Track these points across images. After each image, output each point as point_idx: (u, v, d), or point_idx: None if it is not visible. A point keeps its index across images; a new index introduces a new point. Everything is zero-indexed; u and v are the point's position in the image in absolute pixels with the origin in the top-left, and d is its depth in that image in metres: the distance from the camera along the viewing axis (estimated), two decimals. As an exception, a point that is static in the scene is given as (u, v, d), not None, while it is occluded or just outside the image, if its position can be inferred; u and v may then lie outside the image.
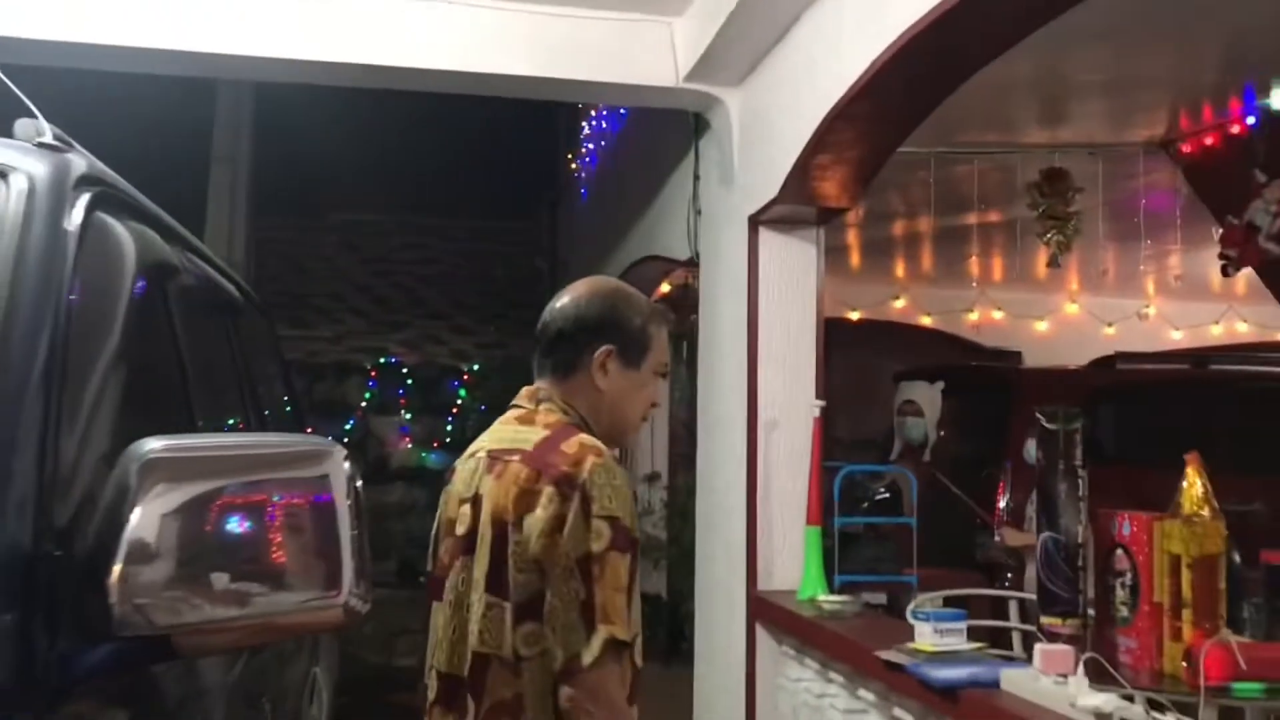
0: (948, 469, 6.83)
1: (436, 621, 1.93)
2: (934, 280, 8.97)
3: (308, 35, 4.22)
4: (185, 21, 4.08)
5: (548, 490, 1.77)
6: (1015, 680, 2.49)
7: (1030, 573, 5.28)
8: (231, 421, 2.54)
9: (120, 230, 1.74)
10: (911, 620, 3.07)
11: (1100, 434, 6.36)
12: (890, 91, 3.30)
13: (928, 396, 5.93)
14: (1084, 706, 2.22)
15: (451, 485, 2.00)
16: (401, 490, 9.83)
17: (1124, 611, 2.83)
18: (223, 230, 9.95)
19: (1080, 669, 2.35)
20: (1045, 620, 2.84)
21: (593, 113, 8.06)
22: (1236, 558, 3.02)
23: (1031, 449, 5.83)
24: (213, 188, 10.02)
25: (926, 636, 2.90)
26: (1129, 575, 2.82)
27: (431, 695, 1.90)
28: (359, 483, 1.26)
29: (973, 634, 2.94)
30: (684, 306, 7.66)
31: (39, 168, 1.61)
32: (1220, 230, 5.22)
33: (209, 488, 1.23)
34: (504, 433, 1.97)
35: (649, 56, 4.41)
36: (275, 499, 1.21)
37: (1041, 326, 9.63)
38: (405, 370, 10.42)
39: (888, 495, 4.46)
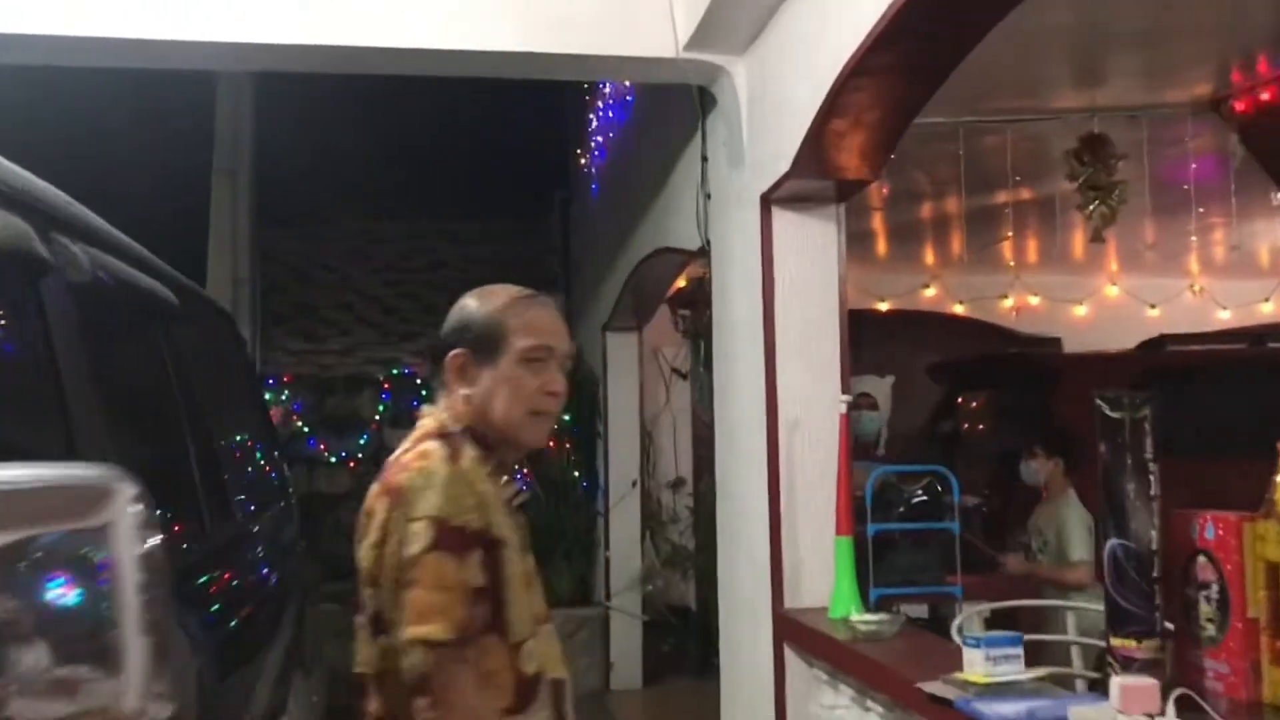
0: (987, 466, 6.44)
1: None
2: (966, 266, 8.50)
3: (290, 18, 3.94)
4: (174, 9, 3.82)
5: (381, 503, 1.81)
6: (1089, 720, 2.08)
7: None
8: (149, 445, 2.17)
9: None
10: (959, 642, 2.67)
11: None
12: (911, 38, 2.89)
13: (881, 390, 5.56)
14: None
15: None
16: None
17: (1210, 630, 2.40)
18: (226, 243, 9.70)
19: (1170, 708, 1.93)
20: (1117, 643, 2.41)
21: (599, 104, 7.69)
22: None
23: (1032, 469, 5.49)
24: (214, 200, 9.78)
25: (977, 665, 2.49)
26: (1215, 587, 2.39)
27: None
28: (156, 537, 0.87)
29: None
30: (701, 301, 7.28)
31: None
32: (1281, 196, 4.77)
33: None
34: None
35: (646, 26, 4.03)
36: (28, 562, 0.82)
37: (1080, 311, 9.17)
38: (419, 381, 10.07)
39: (925, 498, 4.03)
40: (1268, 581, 2.29)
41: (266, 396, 10.06)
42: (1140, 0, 4.09)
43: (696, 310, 7.37)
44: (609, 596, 7.95)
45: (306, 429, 9.73)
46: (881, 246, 8.03)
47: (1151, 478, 2.41)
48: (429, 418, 1.95)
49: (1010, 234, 6.44)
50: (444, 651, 1.69)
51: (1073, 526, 5.29)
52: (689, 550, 8.21)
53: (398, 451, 1.92)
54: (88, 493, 0.86)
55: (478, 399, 1.92)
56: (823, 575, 3.70)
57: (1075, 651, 3.84)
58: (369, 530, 1.80)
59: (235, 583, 2.43)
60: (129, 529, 0.84)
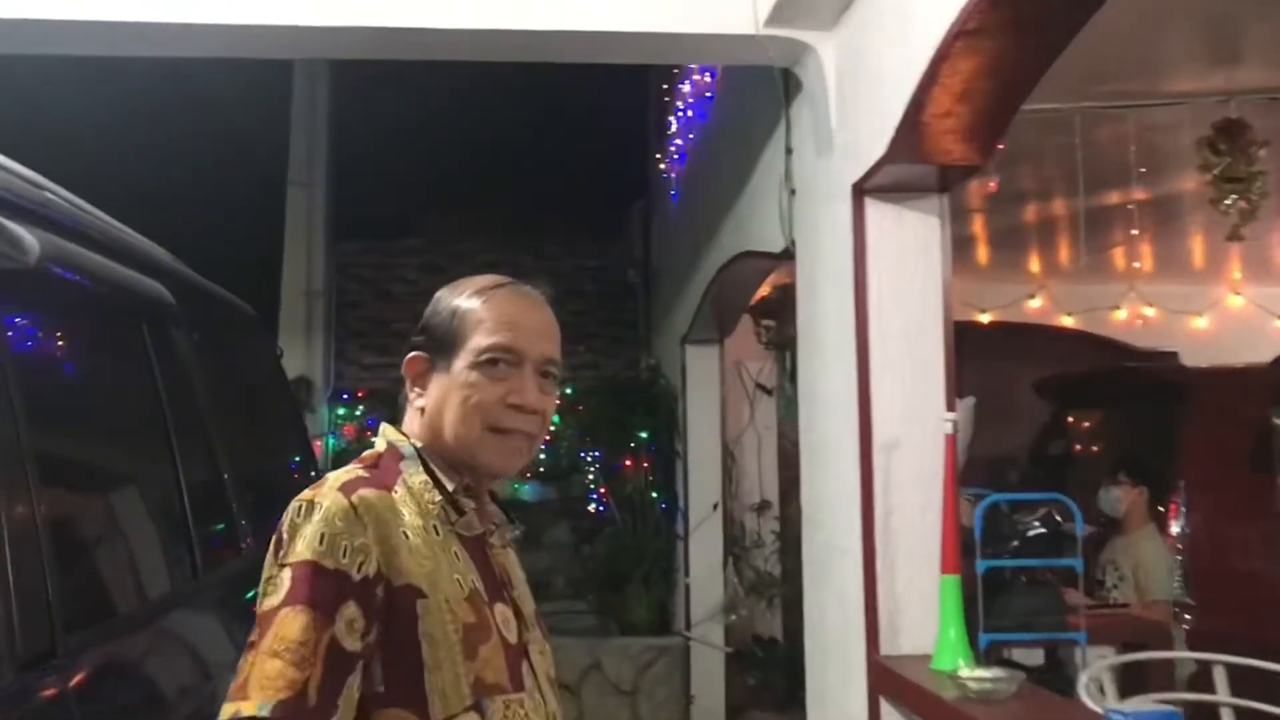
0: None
1: None
2: (1074, 275, 7.92)
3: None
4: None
5: (270, 551, 1.43)
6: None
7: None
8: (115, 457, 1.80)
9: None
10: (1089, 705, 2.18)
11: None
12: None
13: (961, 412, 5.16)
14: None
15: None
16: (494, 525, 9.15)
17: None
18: (301, 256, 9.56)
19: None
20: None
21: (679, 106, 7.30)
22: None
23: (1114, 497, 4.98)
24: (290, 213, 9.65)
25: (1126, 746, 2.01)
26: None
27: None
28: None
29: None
30: (787, 310, 6.82)
31: None
32: None
33: None
34: None
35: (722, 1, 3.64)
36: None
37: (1200, 323, 8.48)
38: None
39: (1044, 530, 3.52)
40: None
41: (340, 412, 9.89)
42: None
43: (781, 320, 6.92)
44: (689, 626, 7.51)
45: (380, 445, 9.50)
46: (983, 254, 7.48)
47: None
48: (380, 437, 1.58)
49: (1136, 232, 5.84)
50: None
51: (1154, 562, 4.88)
52: (774, 578, 7.74)
53: None
54: None
55: (430, 411, 1.55)
56: (924, 618, 3.24)
57: (1228, 716, 3.31)
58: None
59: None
60: None
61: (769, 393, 8.14)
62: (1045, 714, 2.62)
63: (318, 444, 8.97)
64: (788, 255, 4.30)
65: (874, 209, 3.38)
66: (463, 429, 1.51)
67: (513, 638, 1.51)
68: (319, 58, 8.36)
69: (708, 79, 6.30)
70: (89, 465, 1.79)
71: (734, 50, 3.85)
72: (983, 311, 8.07)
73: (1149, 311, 8.22)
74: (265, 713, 1.28)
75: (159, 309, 2.21)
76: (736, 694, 7.62)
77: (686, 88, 6.93)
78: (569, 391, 9.06)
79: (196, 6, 3.57)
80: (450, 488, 1.52)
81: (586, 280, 9.89)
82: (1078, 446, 6.58)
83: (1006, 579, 3.50)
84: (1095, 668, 3.22)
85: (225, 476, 2.31)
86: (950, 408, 3.26)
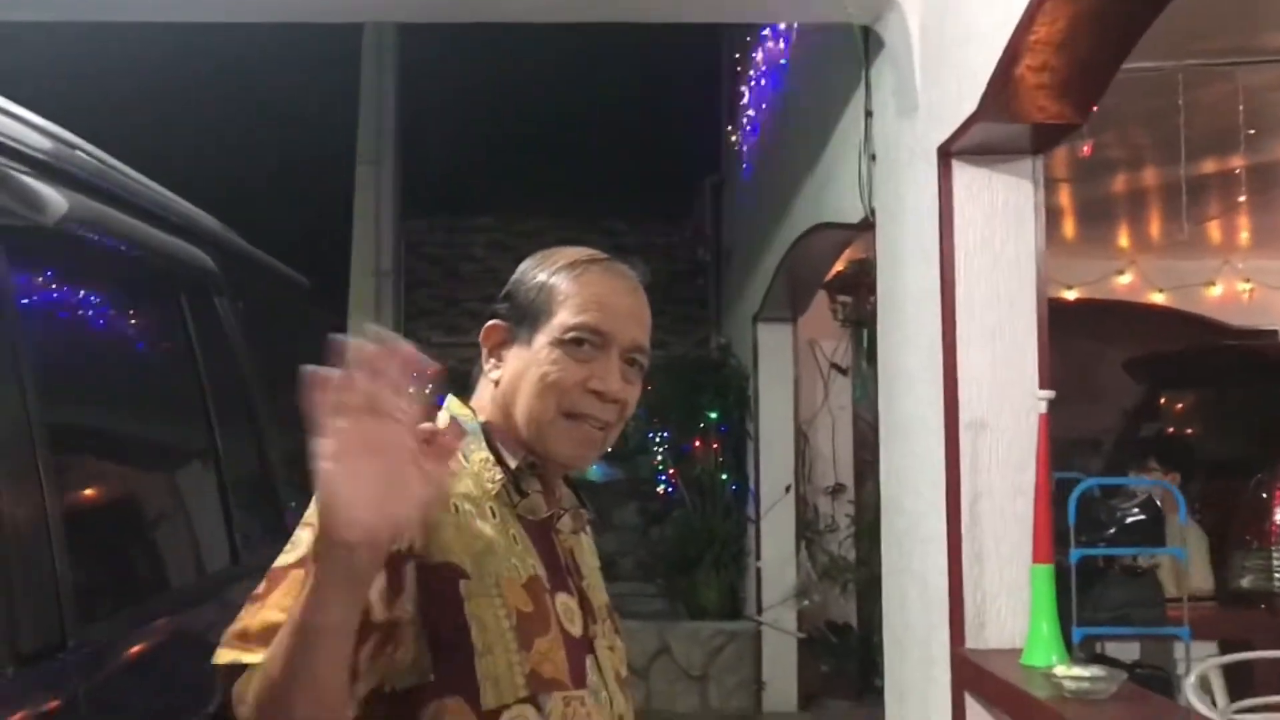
0: (1201, 476, 5.60)
1: None
2: (1166, 249, 7.56)
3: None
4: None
5: None
6: None
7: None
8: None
9: None
10: (1196, 707, 1.97)
11: None
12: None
13: None
14: None
15: None
16: (562, 507, 9.06)
17: None
18: (369, 234, 9.52)
19: None
20: None
21: (752, 75, 7.08)
22: None
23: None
24: (358, 191, 9.61)
25: (1251, 760, 1.80)
26: None
27: None
28: None
29: None
30: (864, 286, 6.61)
31: None
32: None
33: None
34: None
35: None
36: None
37: (1303, 299, 8.08)
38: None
39: (1143, 517, 3.29)
40: None
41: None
42: None
43: (858, 296, 6.71)
44: (760, 610, 7.35)
45: (450, 424, 9.54)
46: (1070, 227, 7.16)
47: None
48: (444, 410, 1.46)
49: (1243, 199, 5.50)
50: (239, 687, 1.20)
51: (1192, 553, 4.56)
52: (849, 562, 7.54)
53: None
54: None
55: (504, 385, 1.44)
56: (1013, 610, 3.04)
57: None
58: None
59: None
60: None
61: (844, 372, 7.91)
62: (1142, 713, 2.41)
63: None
64: (867, 225, 4.09)
65: (961, 172, 3.15)
66: (538, 407, 1.40)
67: (576, 630, 1.39)
68: (385, 20, 8.25)
69: (781, 45, 6.08)
70: (112, 442, 1.67)
71: (812, 7, 3.65)
72: (1069, 288, 7.75)
73: (1244, 287, 7.84)
74: (230, 659, 1.20)
75: (200, 276, 2.09)
76: (809, 681, 7.45)
77: (759, 56, 6.72)
78: (637, 371, 8.93)
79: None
80: (514, 465, 1.40)
81: (657, 258, 9.72)
82: (1171, 429, 6.27)
83: (1102, 569, 3.28)
84: (1200, 668, 2.98)
85: (271, 454, 2.19)
86: (1044, 385, 3.03)
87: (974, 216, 3.14)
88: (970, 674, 3.04)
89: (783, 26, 5.95)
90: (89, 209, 1.72)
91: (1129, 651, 3.76)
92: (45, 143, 1.75)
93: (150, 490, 1.73)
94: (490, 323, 1.47)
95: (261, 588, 1.25)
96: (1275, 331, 7.78)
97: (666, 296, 9.58)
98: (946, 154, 3.16)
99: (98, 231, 1.70)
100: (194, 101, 9.92)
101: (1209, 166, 5.52)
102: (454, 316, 9.84)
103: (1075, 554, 3.03)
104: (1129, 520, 3.24)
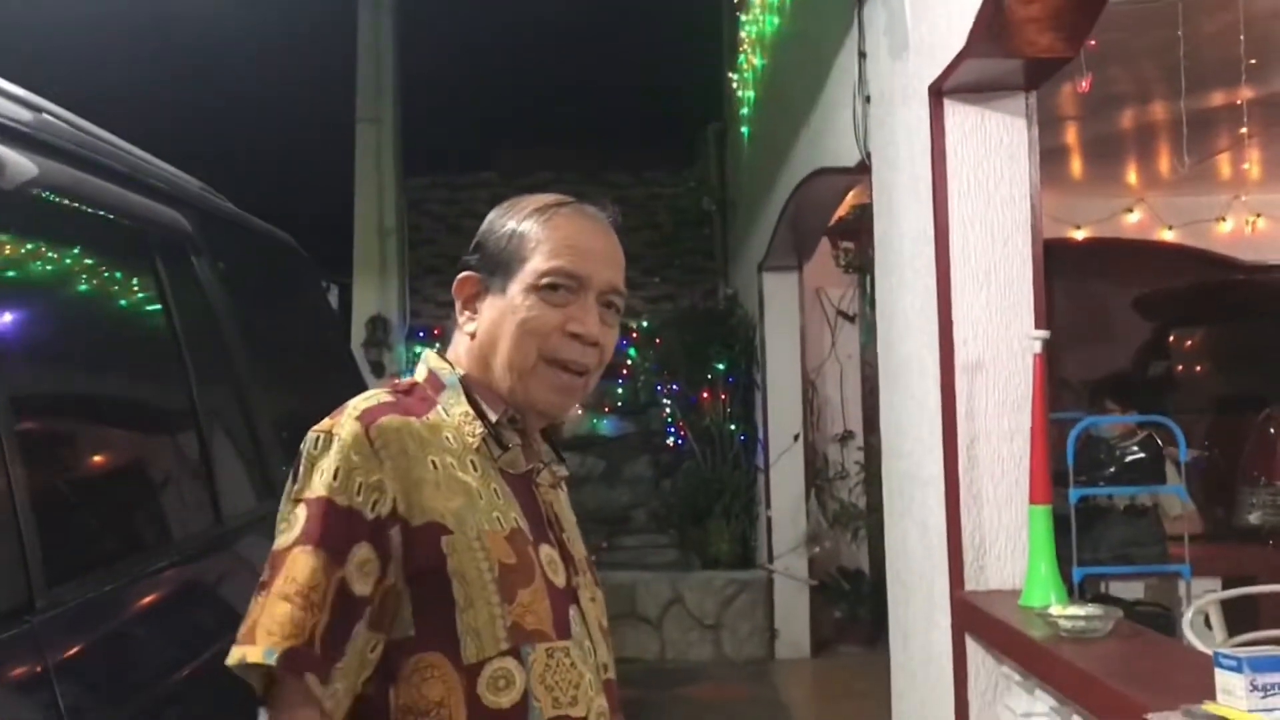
0: (1210, 413, 5.57)
1: None
2: (1175, 185, 7.46)
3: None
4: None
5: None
6: None
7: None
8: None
9: None
10: (1195, 644, 1.96)
11: None
12: None
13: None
14: None
15: None
16: (574, 460, 9.08)
17: None
18: (372, 193, 9.50)
19: None
20: None
21: (750, 19, 6.98)
22: None
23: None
24: (359, 150, 9.57)
25: (1237, 695, 1.79)
26: None
27: None
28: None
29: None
30: (865, 231, 6.54)
31: None
32: None
33: None
34: None
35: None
36: None
37: (1313, 233, 7.97)
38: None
39: (1143, 455, 3.27)
40: None
41: (417, 350, 9.85)
42: None
43: (860, 242, 6.65)
44: (771, 559, 7.37)
45: (456, 381, 9.53)
46: (1076, 165, 7.06)
47: None
48: (421, 363, 1.47)
49: (1245, 131, 5.40)
50: (276, 685, 1.23)
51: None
52: (859, 509, 7.55)
53: None
54: None
55: (481, 337, 1.42)
56: (1012, 552, 3.02)
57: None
58: None
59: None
60: None
61: (851, 320, 7.88)
62: (1145, 655, 2.39)
63: (395, 382, 8.96)
64: (863, 168, 4.04)
65: (953, 111, 3.10)
66: (517, 355, 1.40)
67: (560, 581, 1.39)
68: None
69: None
70: (81, 404, 1.66)
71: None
72: (1077, 228, 7.67)
73: (1257, 222, 7.73)
74: (271, 661, 1.20)
75: (174, 237, 2.07)
76: (822, 628, 7.49)
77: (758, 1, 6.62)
78: (644, 325, 8.90)
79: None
80: (494, 418, 1.40)
81: (661, 209, 9.66)
82: (1180, 367, 6.22)
83: (1102, 509, 3.26)
84: (1198, 604, 2.97)
85: (257, 414, 2.18)
86: (1039, 325, 3.00)
87: (967, 156, 3.09)
88: (970, 616, 3.03)
89: (779, -32, 5.85)
90: (54, 172, 1.70)
91: (1133, 590, 3.75)
92: (7, 105, 1.73)
93: (122, 451, 1.73)
94: (462, 275, 1.46)
95: (265, 574, 1.25)
96: (1286, 265, 7.68)
97: (672, 247, 9.53)
98: (938, 93, 3.10)
99: (63, 195, 1.68)
100: (191, 65, 9.86)
101: (1216, 100, 5.42)
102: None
103: (1075, 494, 3.03)
104: (1128, 458, 3.22)
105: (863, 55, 3.90)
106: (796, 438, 7.32)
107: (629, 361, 8.85)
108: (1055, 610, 2.59)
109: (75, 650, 1.35)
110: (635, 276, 10.27)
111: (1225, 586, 3.56)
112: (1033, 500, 2.82)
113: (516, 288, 1.40)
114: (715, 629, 7.38)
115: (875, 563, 7.41)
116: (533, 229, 1.42)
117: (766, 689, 6.75)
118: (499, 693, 1.28)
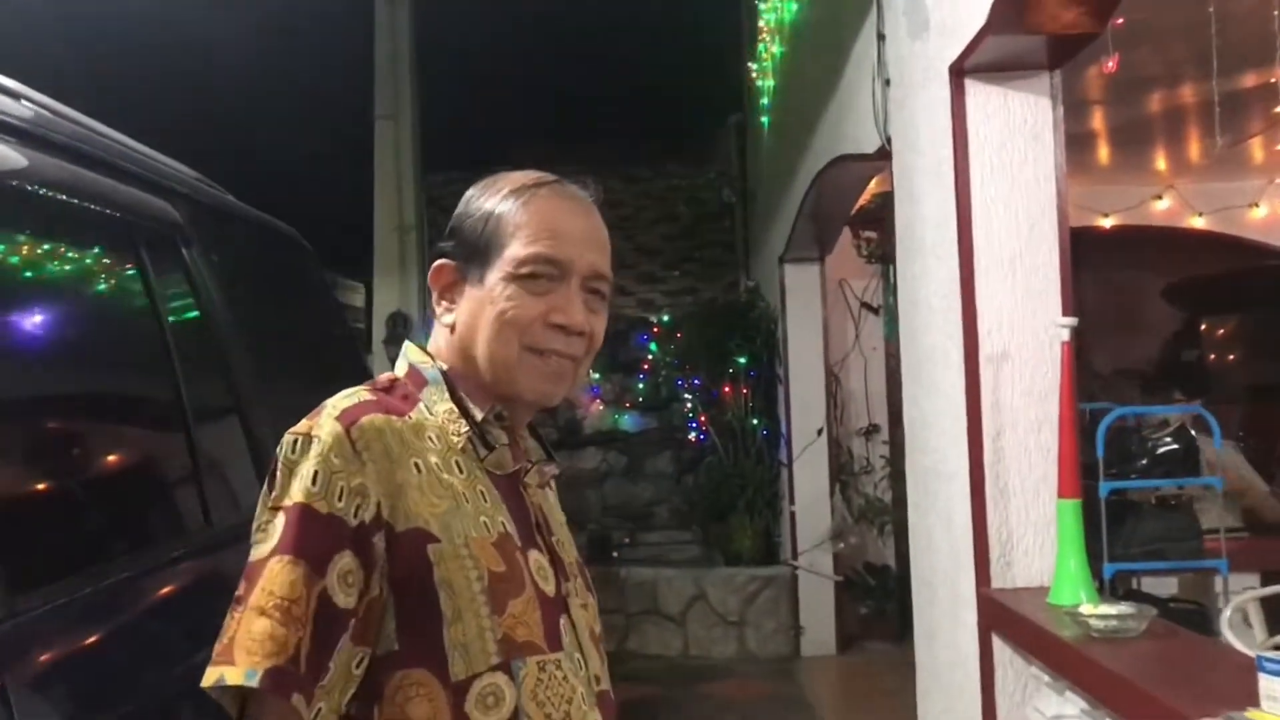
0: (1243, 402, 5.44)
1: None
2: (1206, 171, 7.28)
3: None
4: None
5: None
6: None
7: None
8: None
9: None
10: (1234, 645, 1.85)
11: None
12: None
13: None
14: None
15: None
16: (595, 456, 9.00)
17: None
18: (391, 190, 9.46)
19: None
20: None
21: (768, 8, 6.86)
22: None
23: None
24: (378, 147, 9.53)
25: (1283, 700, 1.69)
26: None
27: None
28: None
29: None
30: (888, 220, 6.43)
31: None
32: None
33: None
34: None
35: None
36: None
37: (1350, 218, 7.77)
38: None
39: (1176, 447, 3.15)
40: None
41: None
42: None
43: (883, 231, 6.53)
44: (796, 554, 7.26)
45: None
46: (1104, 152, 6.91)
47: None
48: (402, 358, 1.39)
49: (1260, 129, 5.25)
50: (254, 705, 1.15)
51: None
52: (885, 504, 7.43)
53: None
54: None
55: (460, 329, 1.35)
56: (1040, 548, 2.93)
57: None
58: None
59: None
60: None
61: (875, 311, 7.76)
62: (1181, 657, 2.29)
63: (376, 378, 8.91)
64: (884, 154, 3.93)
65: (975, 91, 3.00)
66: (498, 347, 1.31)
67: (550, 589, 1.31)
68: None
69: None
70: (55, 402, 1.59)
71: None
72: (1104, 216, 7.51)
73: (1293, 207, 7.55)
74: (253, 682, 1.12)
75: (162, 228, 2.00)
76: (848, 624, 7.38)
77: (775, -13, 6.51)
78: (665, 319, 8.81)
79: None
80: (479, 416, 1.32)
81: (681, 203, 9.56)
82: (1212, 355, 6.08)
83: (1134, 502, 3.15)
84: (1237, 601, 2.85)
85: (251, 410, 2.10)
86: (1067, 311, 2.89)
87: (989, 137, 2.99)
88: (997, 615, 2.93)
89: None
90: (35, 163, 1.63)
91: (1166, 586, 3.63)
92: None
93: (97, 452, 1.65)
94: (437, 263, 1.38)
95: (241, 587, 1.18)
96: (1321, 251, 7.51)
97: (693, 241, 9.43)
98: (959, 73, 3.00)
99: (37, 183, 1.61)
100: (210, 63, 9.84)
101: (1248, 81, 5.26)
102: (479, 270, 9.77)
103: (1105, 486, 2.91)
104: (1160, 450, 3.11)
105: (881, 37, 3.80)
106: (821, 432, 7.21)
107: (650, 356, 8.76)
108: (1086, 609, 2.48)
109: (37, 662, 1.27)
110: (656, 270, 10.22)
111: (1264, 583, 3.43)
112: (1061, 494, 2.71)
113: (495, 276, 1.32)
114: (739, 625, 7.28)
115: (901, 558, 7.29)
116: (510, 211, 1.33)
117: (791, 686, 6.64)
118: (488, 711, 1.20)
